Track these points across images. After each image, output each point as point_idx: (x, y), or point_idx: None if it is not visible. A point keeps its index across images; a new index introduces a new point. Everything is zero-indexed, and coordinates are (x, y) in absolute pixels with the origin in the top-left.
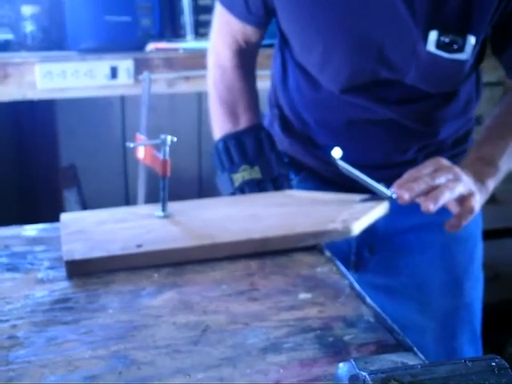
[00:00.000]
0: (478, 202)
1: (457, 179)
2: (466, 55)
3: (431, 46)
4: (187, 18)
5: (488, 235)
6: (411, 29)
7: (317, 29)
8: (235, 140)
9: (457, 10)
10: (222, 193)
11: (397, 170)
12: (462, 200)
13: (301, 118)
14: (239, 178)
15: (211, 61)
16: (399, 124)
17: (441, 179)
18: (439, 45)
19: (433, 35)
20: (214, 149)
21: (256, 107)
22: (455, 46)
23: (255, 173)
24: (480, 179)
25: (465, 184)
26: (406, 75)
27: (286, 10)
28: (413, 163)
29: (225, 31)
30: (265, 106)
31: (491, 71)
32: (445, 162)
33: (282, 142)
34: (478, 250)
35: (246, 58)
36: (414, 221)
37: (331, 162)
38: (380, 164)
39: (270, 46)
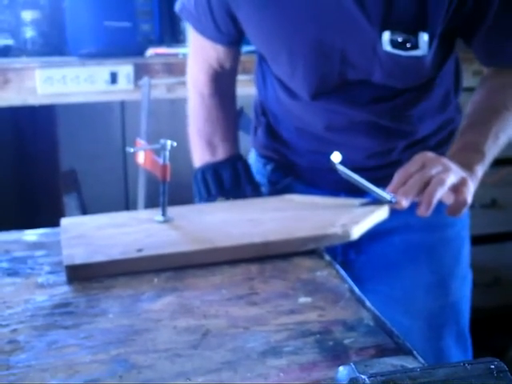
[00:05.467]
0: (470, 190)
1: (446, 169)
2: (421, 51)
3: (387, 45)
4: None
5: (488, 239)
6: (368, 31)
7: (279, 38)
8: (212, 171)
9: (409, 10)
10: None
11: (383, 171)
12: (455, 190)
13: (283, 126)
14: None
15: (190, 86)
16: (377, 124)
17: (431, 172)
18: (394, 44)
19: (386, 35)
20: (193, 177)
21: (233, 136)
22: (408, 45)
23: None
24: (468, 167)
25: (455, 173)
26: (372, 75)
27: (250, 23)
28: (398, 164)
29: (200, 56)
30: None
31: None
32: (430, 154)
33: (266, 147)
34: (465, 249)
35: (222, 83)
36: (399, 221)
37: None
38: (364, 166)
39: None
